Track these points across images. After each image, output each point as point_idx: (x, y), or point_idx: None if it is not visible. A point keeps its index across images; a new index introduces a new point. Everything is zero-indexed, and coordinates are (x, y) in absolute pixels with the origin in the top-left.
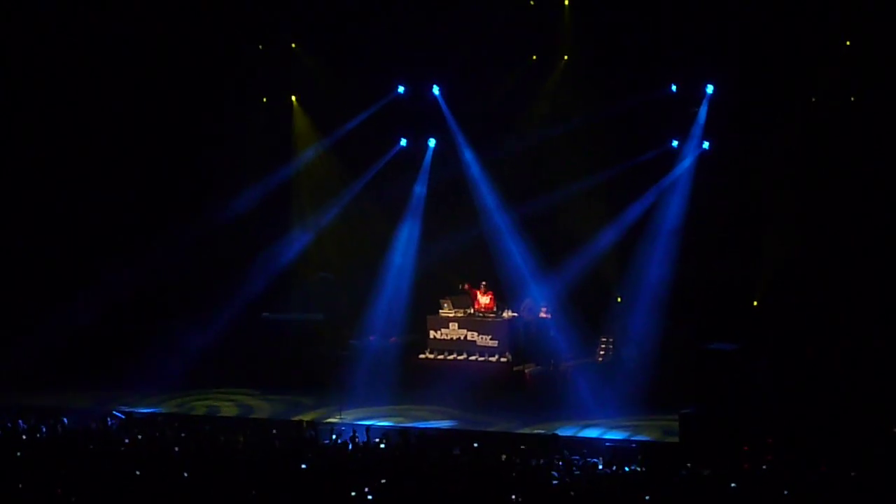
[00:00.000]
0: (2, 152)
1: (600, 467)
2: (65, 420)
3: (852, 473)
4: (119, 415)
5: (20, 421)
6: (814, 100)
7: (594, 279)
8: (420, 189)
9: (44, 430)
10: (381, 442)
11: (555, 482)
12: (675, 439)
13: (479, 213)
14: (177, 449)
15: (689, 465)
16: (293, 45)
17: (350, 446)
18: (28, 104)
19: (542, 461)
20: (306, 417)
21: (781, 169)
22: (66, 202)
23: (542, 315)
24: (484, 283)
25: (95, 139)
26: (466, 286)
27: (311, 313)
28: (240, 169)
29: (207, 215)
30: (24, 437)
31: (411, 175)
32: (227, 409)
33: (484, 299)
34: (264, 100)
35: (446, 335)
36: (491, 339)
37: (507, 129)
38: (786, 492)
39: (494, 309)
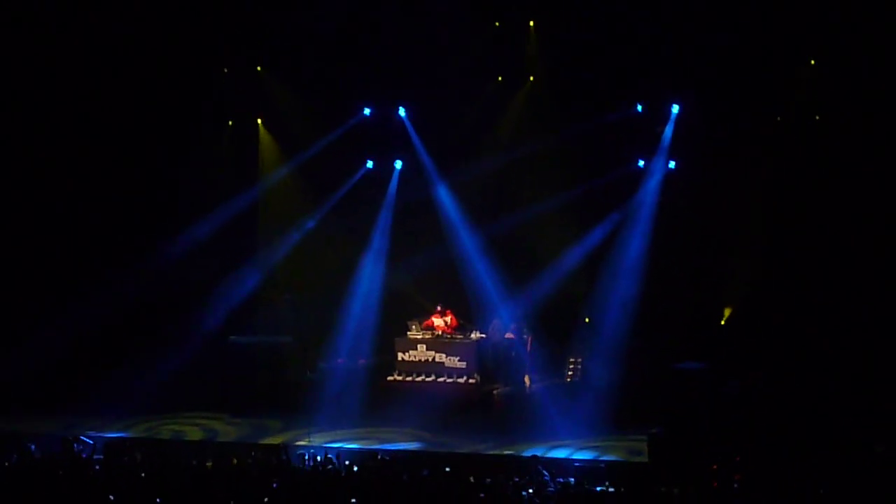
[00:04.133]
0: None
1: (572, 482)
2: (32, 447)
3: (821, 491)
4: (87, 440)
5: None
6: (779, 118)
7: (562, 299)
8: (387, 211)
9: (14, 457)
10: (351, 464)
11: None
12: (644, 459)
13: (447, 233)
14: (147, 474)
15: (658, 484)
16: (259, 68)
17: (320, 469)
18: None
19: (512, 480)
20: (276, 441)
21: (748, 187)
22: (28, 227)
23: (509, 336)
24: (439, 305)
25: (61, 164)
26: (438, 308)
27: (279, 336)
28: (205, 192)
29: (173, 238)
30: None
31: (378, 197)
32: (196, 433)
33: (444, 320)
34: (230, 123)
35: (414, 357)
36: (459, 361)
37: (474, 150)
38: None
39: (458, 329)
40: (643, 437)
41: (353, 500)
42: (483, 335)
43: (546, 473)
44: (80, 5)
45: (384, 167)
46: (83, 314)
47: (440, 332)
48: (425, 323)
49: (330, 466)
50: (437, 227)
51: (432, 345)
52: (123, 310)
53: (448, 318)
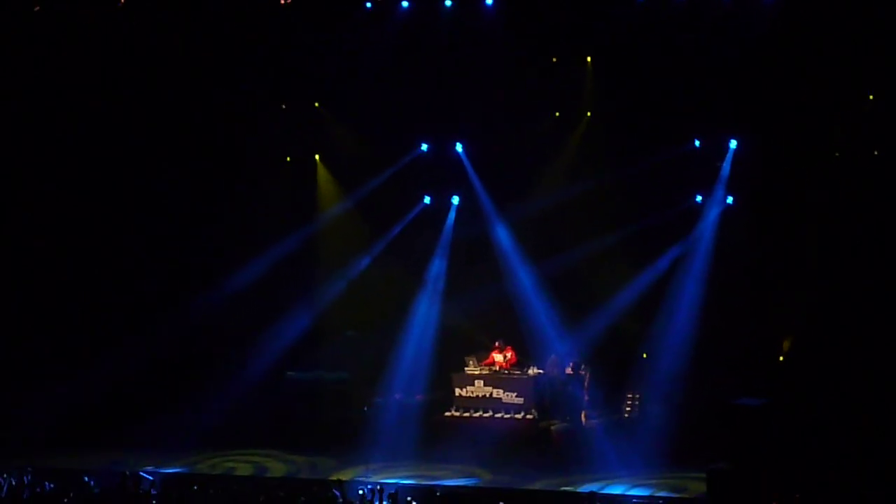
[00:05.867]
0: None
1: None
2: (91, 482)
3: None
4: (146, 475)
5: (46, 483)
6: (837, 154)
7: (619, 335)
8: (444, 246)
9: (72, 492)
10: (410, 500)
11: None
12: (703, 495)
13: (503, 269)
14: None
15: None
16: (316, 105)
17: None
18: (36, 165)
19: None
20: (333, 477)
21: (806, 221)
22: (87, 262)
23: (567, 372)
24: (498, 341)
25: (122, 202)
26: (497, 343)
27: (336, 372)
28: (265, 228)
29: (232, 274)
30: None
31: (435, 232)
32: (252, 469)
33: (503, 355)
34: (288, 159)
35: (472, 392)
36: (516, 397)
37: (531, 186)
38: None
39: (516, 365)
40: (701, 474)
41: None
42: (540, 371)
43: None
44: (137, 41)
45: (441, 203)
46: (142, 350)
47: (498, 368)
48: (485, 362)
49: (387, 502)
50: (494, 262)
51: (490, 380)
52: (181, 346)
53: (508, 354)
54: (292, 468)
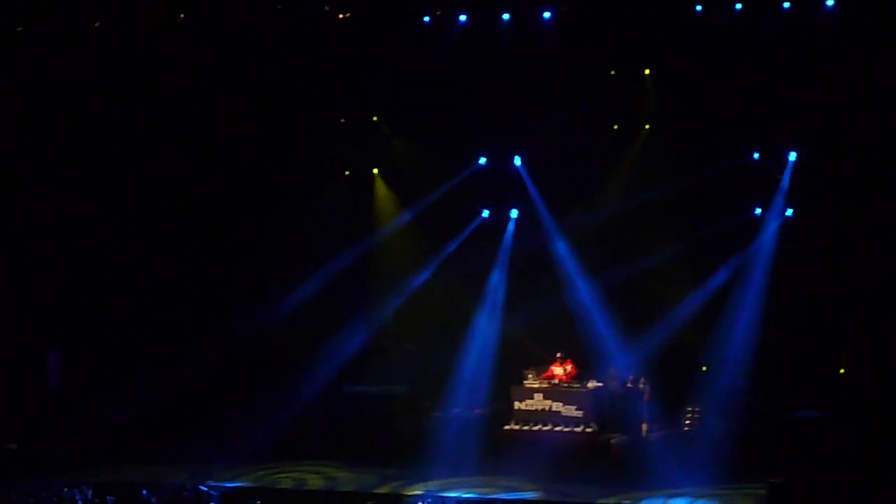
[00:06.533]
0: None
1: None
2: (150, 496)
3: None
4: (204, 489)
5: (109, 497)
6: None
7: (679, 348)
8: (503, 260)
9: None
10: None
11: None
12: None
13: (562, 282)
14: None
15: None
16: (374, 119)
17: None
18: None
19: None
20: (391, 490)
21: (865, 235)
22: (150, 274)
23: (628, 385)
24: (559, 353)
25: (185, 215)
26: (558, 356)
27: (394, 386)
28: (323, 242)
29: (291, 288)
30: None
31: (494, 246)
32: (312, 482)
33: (563, 368)
34: (346, 173)
35: (531, 406)
36: (576, 410)
37: (590, 199)
38: None
39: (576, 378)
40: (761, 487)
41: None
42: (600, 384)
43: None
44: (199, 57)
45: (500, 216)
46: (202, 364)
47: (557, 381)
48: (545, 375)
49: None
50: (554, 275)
51: (549, 394)
52: (239, 360)
53: (568, 367)
54: (350, 482)
